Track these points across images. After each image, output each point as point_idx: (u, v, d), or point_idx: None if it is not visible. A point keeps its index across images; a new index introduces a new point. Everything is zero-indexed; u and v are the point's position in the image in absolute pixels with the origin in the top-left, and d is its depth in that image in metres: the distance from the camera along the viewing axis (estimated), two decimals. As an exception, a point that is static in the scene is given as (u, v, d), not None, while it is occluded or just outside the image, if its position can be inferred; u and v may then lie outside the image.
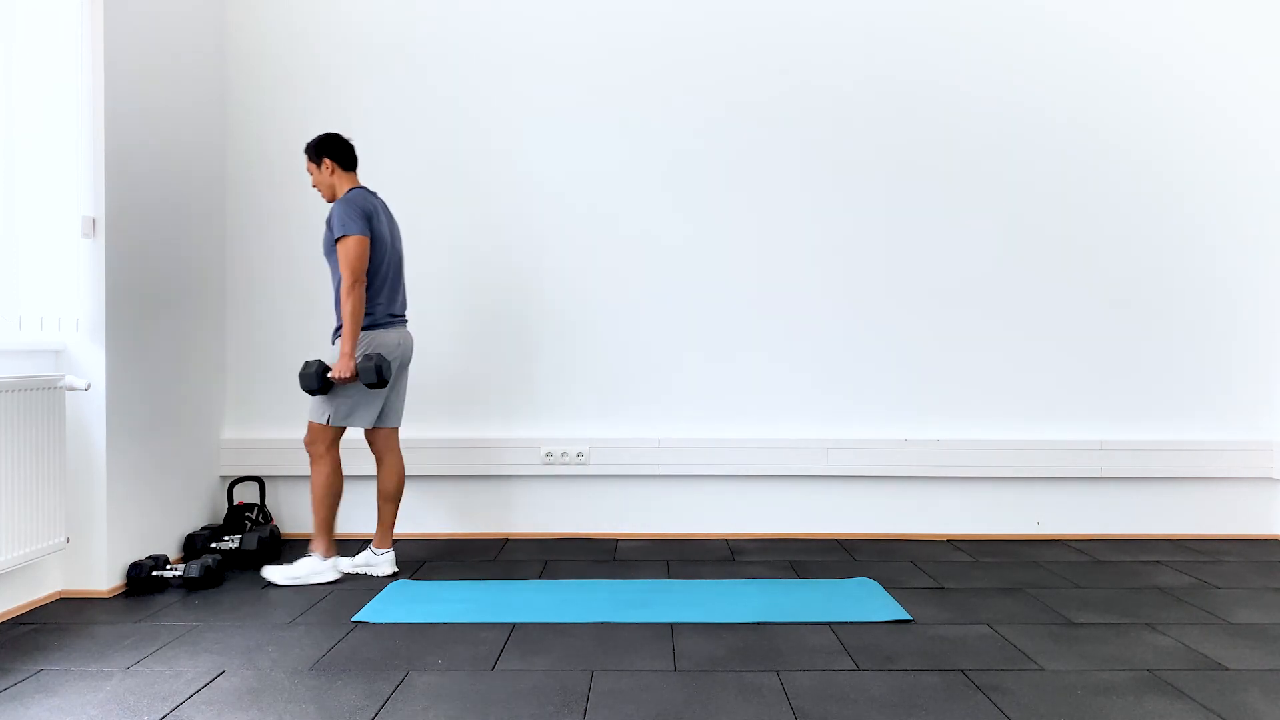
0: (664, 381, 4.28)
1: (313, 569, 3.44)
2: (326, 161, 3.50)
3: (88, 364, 3.28)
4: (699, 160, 4.27)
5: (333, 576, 3.47)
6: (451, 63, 4.25)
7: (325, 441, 3.47)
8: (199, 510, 3.99)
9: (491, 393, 4.26)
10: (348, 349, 3.33)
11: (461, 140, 4.25)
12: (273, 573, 3.44)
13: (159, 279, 3.65)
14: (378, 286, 3.47)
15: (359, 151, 4.20)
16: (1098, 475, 4.27)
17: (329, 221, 3.40)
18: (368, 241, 3.37)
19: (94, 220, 3.28)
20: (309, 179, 4.20)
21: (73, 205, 3.25)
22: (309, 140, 3.68)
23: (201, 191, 4.00)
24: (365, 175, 4.22)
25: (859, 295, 4.29)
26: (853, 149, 4.28)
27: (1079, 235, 4.31)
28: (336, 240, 3.36)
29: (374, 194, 3.55)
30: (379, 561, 3.61)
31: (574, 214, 4.26)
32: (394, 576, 3.58)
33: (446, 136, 4.25)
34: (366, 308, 3.43)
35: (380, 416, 3.55)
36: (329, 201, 3.56)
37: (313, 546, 3.48)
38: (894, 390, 4.30)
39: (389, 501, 3.63)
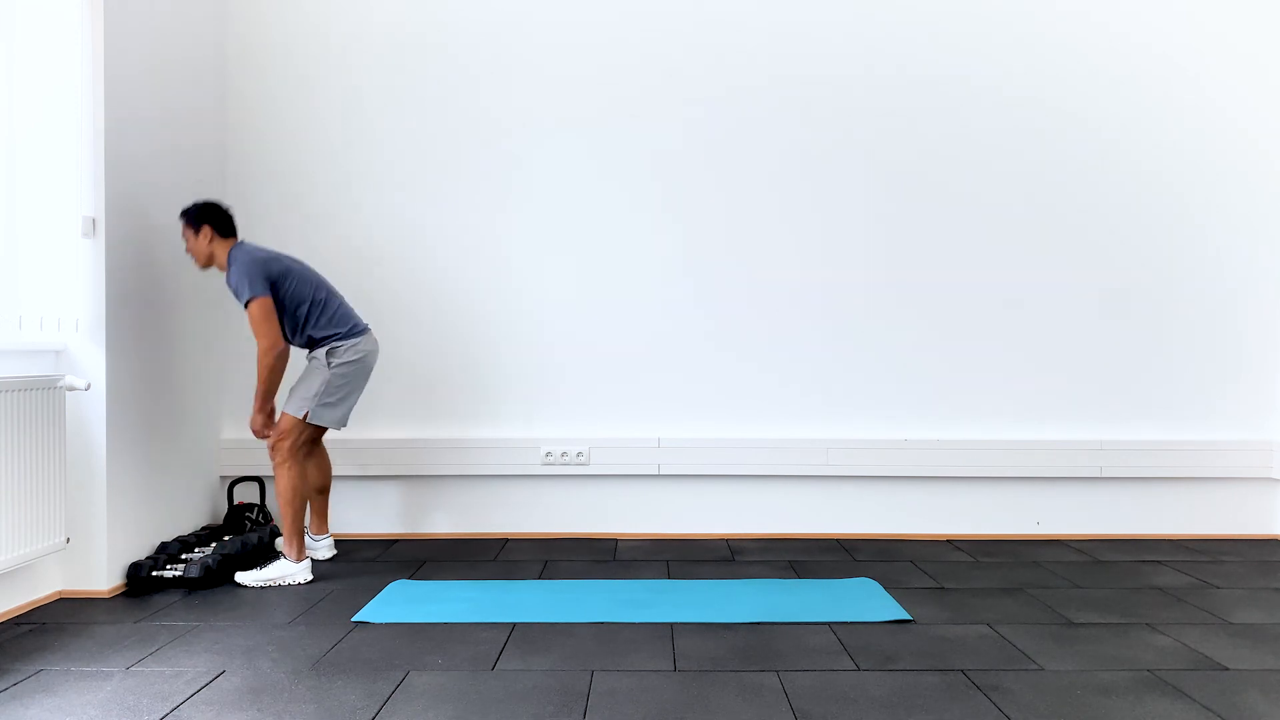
0: (664, 381, 4.28)
1: (284, 570, 3.45)
2: (206, 229, 3.43)
3: (88, 364, 3.28)
4: (699, 161, 4.27)
5: (307, 578, 3.48)
6: (454, 62, 4.25)
7: (295, 440, 3.47)
8: (199, 510, 3.99)
9: (491, 393, 4.26)
10: (260, 405, 3.48)
11: (462, 140, 4.25)
12: (245, 577, 3.44)
13: (159, 279, 3.65)
14: (325, 306, 3.52)
15: (364, 154, 4.23)
16: (1098, 475, 4.27)
17: (233, 290, 3.40)
18: (270, 301, 3.39)
19: (94, 220, 3.28)
20: (309, 177, 4.22)
21: (73, 205, 3.25)
22: (185, 207, 3.52)
23: (201, 191, 3.99)
24: (365, 176, 4.23)
25: (859, 295, 4.29)
26: (855, 149, 4.28)
27: (1080, 234, 4.31)
28: (245, 306, 3.38)
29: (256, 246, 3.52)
30: (319, 546, 3.80)
31: (575, 214, 4.26)
32: (333, 559, 3.81)
33: (447, 136, 4.25)
34: (338, 324, 3.52)
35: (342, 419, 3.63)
36: (202, 267, 3.51)
37: (285, 549, 3.48)
38: (894, 390, 4.30)
39: (324, 493, 3.80)
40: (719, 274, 4.27)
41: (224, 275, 3.53)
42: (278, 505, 3.57)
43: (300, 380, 3.53)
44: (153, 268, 3.60)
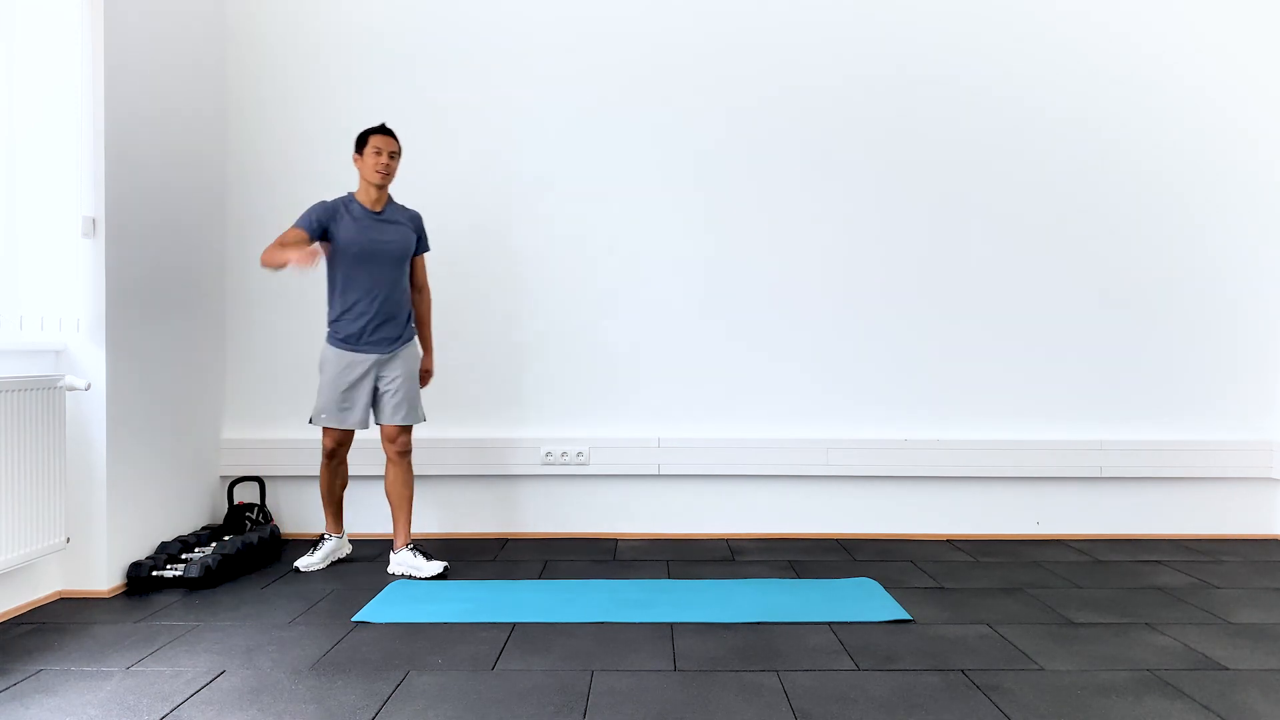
0: (664, 381, 4.28)
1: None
2: None
3: (88, 364, 3.28)
4: (698, 162, 4.27)
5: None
6: (454, 63, 4.24)
7: None
8: (199, 510, 3.99)
9: (491, 393, 4.26)
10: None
11: (461, 141, 4.25)
12: (426, 568, 3.55)
13: (159, 279, 3.65)
14: None
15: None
16: (1098, 475, 4.27)
17: (419, 233, 3.67)
18: None
19: (94, 220, 3.28)
20: (309, 177, 4.22)
21: (73, 205, 3.25)
22: (389, 127, 3.73)
23: (201, 191, 4.00)
24: (365, 175, 4.23)
25: (859, 295, 4.29)
26: (853, 149, 4.28)
27: (1080, 235, 4.31)
28: (424, 252, 3.72)
29: None
30: (345, 545, 3.88)
31: (575, 215, 4.26)
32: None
33: (447, 137, 4.25)
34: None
35: None
36: (382, 185, 3.57)
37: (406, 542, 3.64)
38: (894, 390, 4.30)
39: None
40: (718, 275, 4.27)
41: (385, 211, 3.60)
42: (407, 501, 3.66)
43: (413, 382, 3.64)
44: (153, 268, 3.61)
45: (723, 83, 4.27)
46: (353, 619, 3.02)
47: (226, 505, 4.12)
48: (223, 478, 4.16)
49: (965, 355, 4.30)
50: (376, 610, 3.10)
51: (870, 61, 4.28)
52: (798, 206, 4.28)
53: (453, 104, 4.24)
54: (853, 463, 4.25)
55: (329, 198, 3.83)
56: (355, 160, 3.57)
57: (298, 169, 4.22)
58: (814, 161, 4.28)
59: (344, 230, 3.48)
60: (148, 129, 3.56)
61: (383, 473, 4.15)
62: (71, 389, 3.15)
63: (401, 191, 4.21)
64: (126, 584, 3.38)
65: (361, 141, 3.55)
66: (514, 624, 2.98)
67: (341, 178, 4.22)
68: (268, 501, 4.19)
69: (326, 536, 3.73)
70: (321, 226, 3.48)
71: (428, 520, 4.26)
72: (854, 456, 4.25)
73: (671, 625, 2.98)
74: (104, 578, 3.31)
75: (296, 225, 3.46)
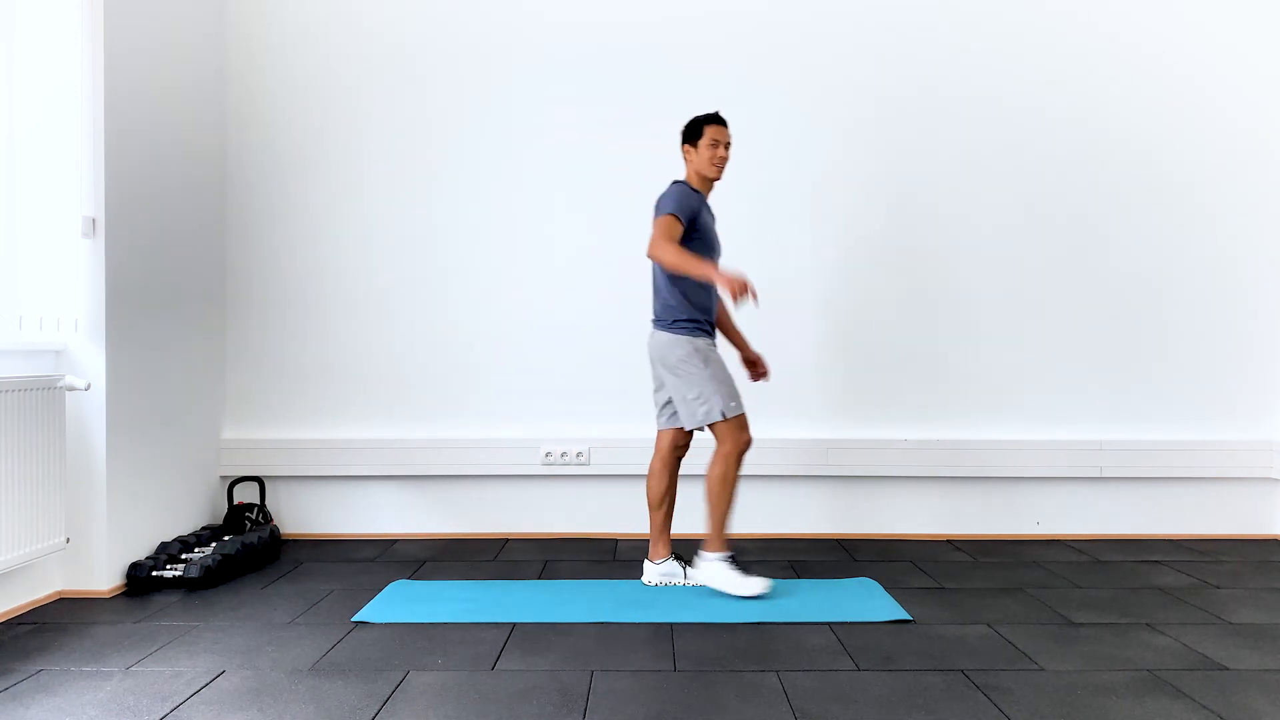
0: (664, 381, 4.27)
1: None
2: None
3: (88, 364, 3.28)
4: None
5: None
6: (457, 63, 4.24)
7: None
8: (199, 510, 3.99)
9: (492, 393, 4.25)
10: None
11: (464, 139, 4.24)
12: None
13: (159, 279, 3.65)
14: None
15: (363, 154, 4.22)
16: (1098, 475, 4.27)
17: None
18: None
19: (94, 220, 3.28)
20: (308, 176, 4.22)
21: (73, 205, 3.25)
22: (722, 115, 3.41)
23: (201, 191, 3.99)
24: (365, 177, 4.23)
25: (859, 294, 4.29)
26: (852, 148, 4.28)
27: (1079, 236, 4.31)
28: None
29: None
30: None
31: (573, 215, 4.26)
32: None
33: (449, 135, 4.24)
34: None
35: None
36: (715, 181, 3.37)
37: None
38: (894, 390, 4.29)
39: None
40: (719, 274, 4.27)
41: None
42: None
43: None
44: (153, 268, 3.60)
45: (722, 77, 4.27)
46: (352, 619, 3.02)
47: (226, 505, 4.12)
48: (223, 478, 4.16)
49: (965, 355, 4.30)
50: (376, 610, 3.10)
51: (870, 62, 4.28)
52: (796, 208, 4.28)
53: (457, 105, 4.24)
54: (853, 463, 4.24)
55: (679, 180, 3.37)
56: (686, 151, 3.32)
57: (297, 168, 4.22)
58: (813, 163, 4.27)
59: (707, 223, 3.29)
60: (148, 129, 3.56)
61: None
62: (71, 389, 3.15)
63: (398, 187, 4.22)
64: (126, 584, 3.38)
65: (695, 131, 3.28)
66: (514, 624, 2.98)
67: (342, 175, 4.22)
68: (267, 502, 4.19)
69: (724, 558, 3.30)
70: (691, 217, 3.18)
71: (429, 520, 4.26)
72: (854, 456, 4.24)
73: (671, 625, 2.98)
74: (104, 578, 3.31)
75: (672, 213, 3.11)
